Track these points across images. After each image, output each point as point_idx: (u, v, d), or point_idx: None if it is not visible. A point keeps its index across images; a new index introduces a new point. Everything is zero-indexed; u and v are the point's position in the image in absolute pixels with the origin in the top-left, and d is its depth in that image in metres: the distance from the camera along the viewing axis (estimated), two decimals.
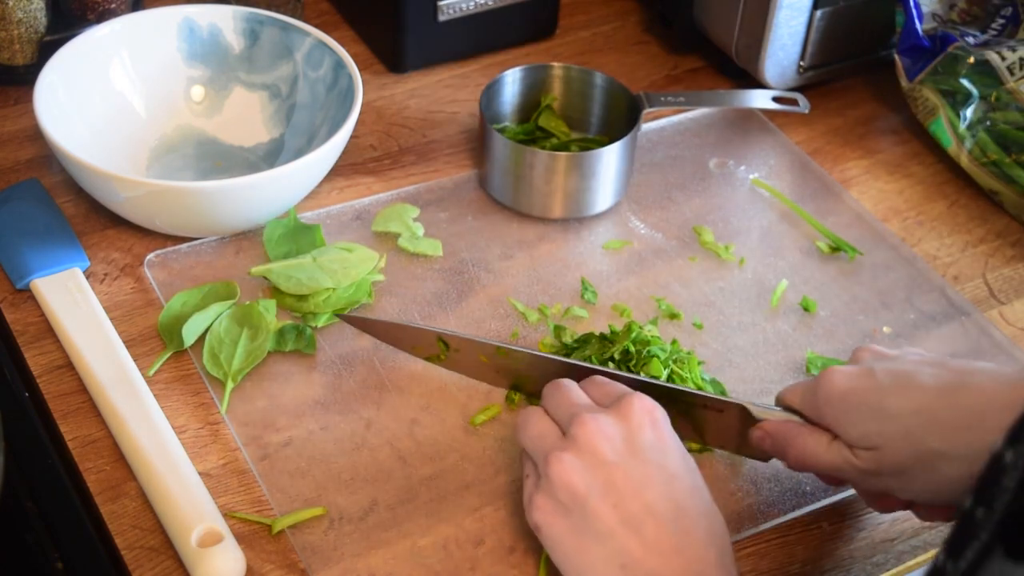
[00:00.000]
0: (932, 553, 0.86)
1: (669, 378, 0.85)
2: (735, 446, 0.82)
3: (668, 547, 0.68)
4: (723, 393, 0.88)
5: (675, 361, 0.87)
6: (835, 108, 1.15)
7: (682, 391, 0.81)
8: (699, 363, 0.88)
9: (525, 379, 0.85)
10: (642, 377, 0.82)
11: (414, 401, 0.86)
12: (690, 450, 0.84)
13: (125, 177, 0.89)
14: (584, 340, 0.88)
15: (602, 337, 0.88)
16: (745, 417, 0.80)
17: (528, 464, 0.75)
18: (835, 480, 0.78)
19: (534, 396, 0.86)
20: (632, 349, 0.86)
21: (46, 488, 0.79)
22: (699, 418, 0.81)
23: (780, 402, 0.79)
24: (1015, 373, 0.71)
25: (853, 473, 0.74)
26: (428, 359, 0.87)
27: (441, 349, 0.86)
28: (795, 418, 0.78)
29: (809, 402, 0.76)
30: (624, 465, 0.70)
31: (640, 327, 0.88)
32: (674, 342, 0.89)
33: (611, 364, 0.85)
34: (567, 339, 0.89)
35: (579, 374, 0.81)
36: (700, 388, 0.87)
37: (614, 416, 0.72)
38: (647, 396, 0.74)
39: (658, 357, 0.86)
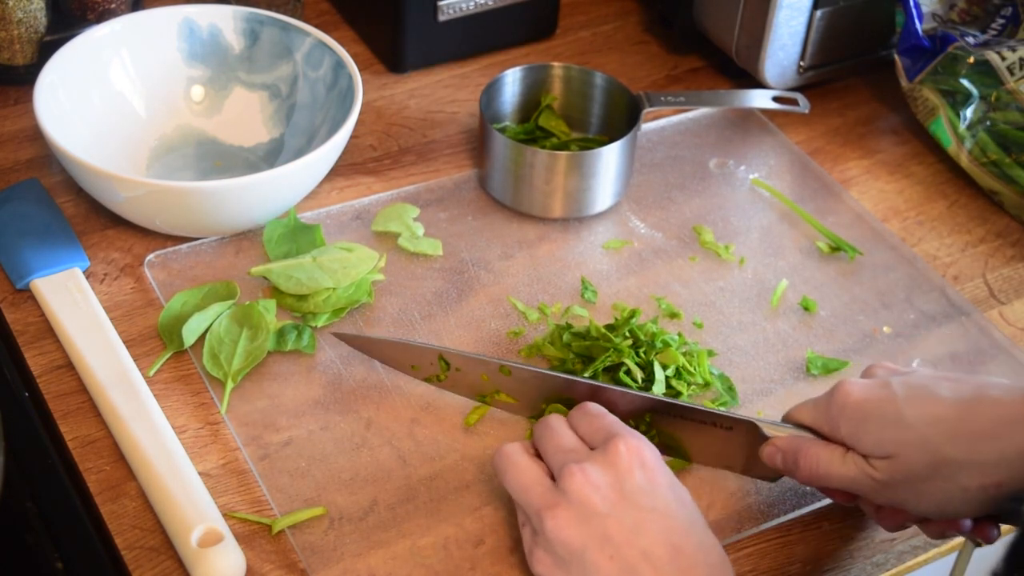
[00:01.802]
0: (932, 553, 0.86)
1: (673, 389, 0.85)
2: (742, 466, 0.82)
3: None
4: (731, 389, 0.88)
5: (685, 354, 0.87)
6: (835, 108, 1.15)
7: (691, 408, 0.80)
8: (709, 354, 0.89)
9: (527, 398, 0.84)
10: (649, 395, 0.81)
11: (414, 401, 0.86)
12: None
13: (125, 177, 0.89)
14: (584, 335, 0.88)
15: (607, 327, 0.88)
16: (754, 435, 0.79)
17: (522, 511, 0.75)
18: (846, 497, 0.77)
19: (533, 417, 0.85)
20: (641, 336, 0.87)
21: (46, 488, 0.79)
22: (706, 436, 0.81)
23: (789, 419, 0.79)
24: None
25: (867, 484, 0.74)
26: (427, 380, 0.86)
27: (442, 368, 0.85)
28: (806, 434, 0.77)
29: (823, 415, 0.76)
30: (616, 514, 0.70)
31: (641, 312, 0.90)
32: (680, 335, 0.89)
33: (623, 356, 0.86)
34: (568, 337, 0.89)
35: (584, 391, 0.81)
36: (708, 383, 0.87)
37: (601, 463, 0.72)
38: (635, 434, 0.74)
39: (672, 345, 0.86)
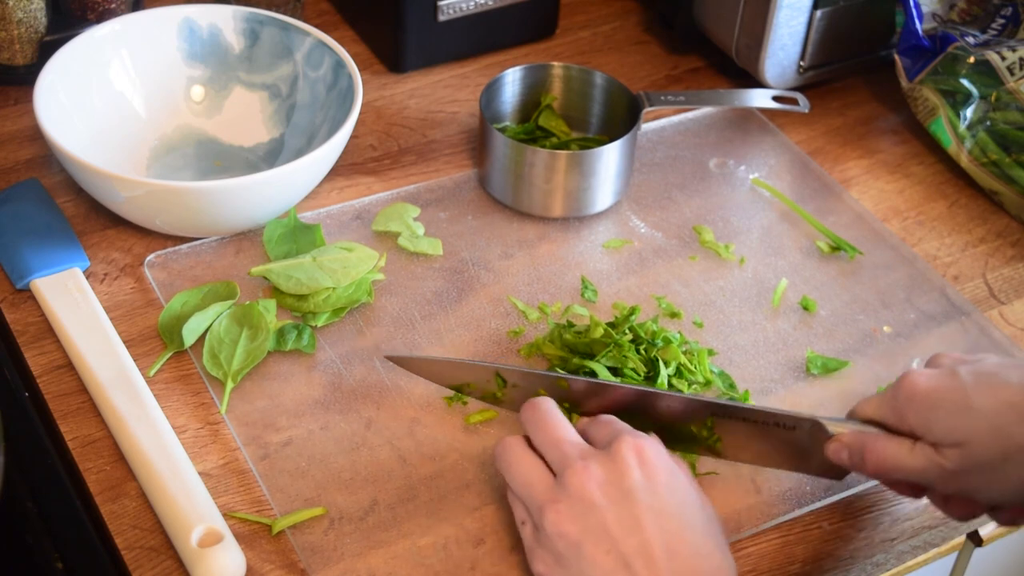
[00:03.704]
0: (933, 553, 0.86)
1: (674, 387, 0.84)
2: (806, 466, 0.81)
3: None
4: (732, 386, 0.88)
5: (685, 352, 0.87)
6: (835, 108, 1.15)
7: (750, 410, 0.79)
8: (709, 353, 0.89)
9: (582, 407, 0.83)
10: (708, 399, 0.80)
11: (414, 400, 0.86)
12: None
13: (125, 177, 0.89)
14: (584, 333, 0.88)
15: (608, 325, 0.88)
16: (817, 432, 0.78)
17: (520, 509, 0.74)
18: (915, 490, 0.77)
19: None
20: (642, 334, 0.87)
21: (46, 488, 0.79)
22: (768, 438, 0.80)
23: (853, 415, 0.79)
24: None
25: (938, 474, 0.73)
26: (483, 397, 0.85)
27: (498, 385, 0.84)
28: (871, 429, 0.76)
29: (889, 407, 0.75)
30: (615, 509, 0.70)
31: (640, 309, 0.90)
32: (680, 334, 0.89)
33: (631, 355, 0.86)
34: (569, 336, 0.89)
35: (644, 399, 0.80)
36: (709, 381, 0.87)
37: (603, 461, 0.72)
38: (639, 434, 0.74)
39: (673, 342, 0.86)
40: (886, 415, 0.76)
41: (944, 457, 0.72)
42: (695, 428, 0.81)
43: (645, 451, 0.72)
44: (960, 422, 0.72)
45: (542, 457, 0.75)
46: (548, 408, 0.76)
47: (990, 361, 0.75)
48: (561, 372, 0.83)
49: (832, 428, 0.78)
